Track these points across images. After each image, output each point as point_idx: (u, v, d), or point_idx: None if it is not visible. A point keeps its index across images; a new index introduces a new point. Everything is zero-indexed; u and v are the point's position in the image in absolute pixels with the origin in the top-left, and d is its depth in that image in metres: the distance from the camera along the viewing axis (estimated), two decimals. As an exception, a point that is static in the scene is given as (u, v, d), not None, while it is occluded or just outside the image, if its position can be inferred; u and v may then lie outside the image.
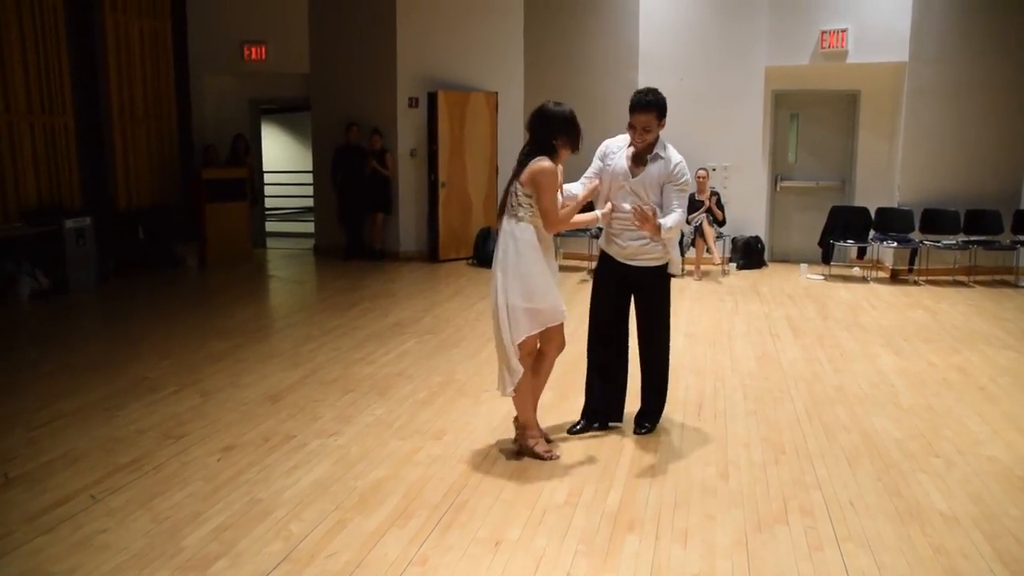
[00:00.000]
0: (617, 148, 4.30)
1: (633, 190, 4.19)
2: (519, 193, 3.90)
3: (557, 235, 4.30)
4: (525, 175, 3.88)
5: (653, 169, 4.17)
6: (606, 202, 4.27)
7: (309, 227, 12.57)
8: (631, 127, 4.14)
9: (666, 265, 4.32)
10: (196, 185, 10.35)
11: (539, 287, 3.88)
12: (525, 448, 4.07)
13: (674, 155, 4.21)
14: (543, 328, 3.94)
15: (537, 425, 4.13)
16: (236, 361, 5.83)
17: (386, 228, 10.92)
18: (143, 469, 3.90)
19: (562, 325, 4.04)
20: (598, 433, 4.42)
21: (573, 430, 4.42)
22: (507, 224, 3.94)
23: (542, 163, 3.86)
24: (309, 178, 12.13)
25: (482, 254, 10.41)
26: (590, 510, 3.49)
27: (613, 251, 4.31)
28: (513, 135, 10.93)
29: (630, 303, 4.40)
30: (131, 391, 5.12)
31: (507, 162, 10.83)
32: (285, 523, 3.35)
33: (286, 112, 16.10)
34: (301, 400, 4.96)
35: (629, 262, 4.26)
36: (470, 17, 10.69)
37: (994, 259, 9.54)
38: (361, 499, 3.59)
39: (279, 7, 11.03)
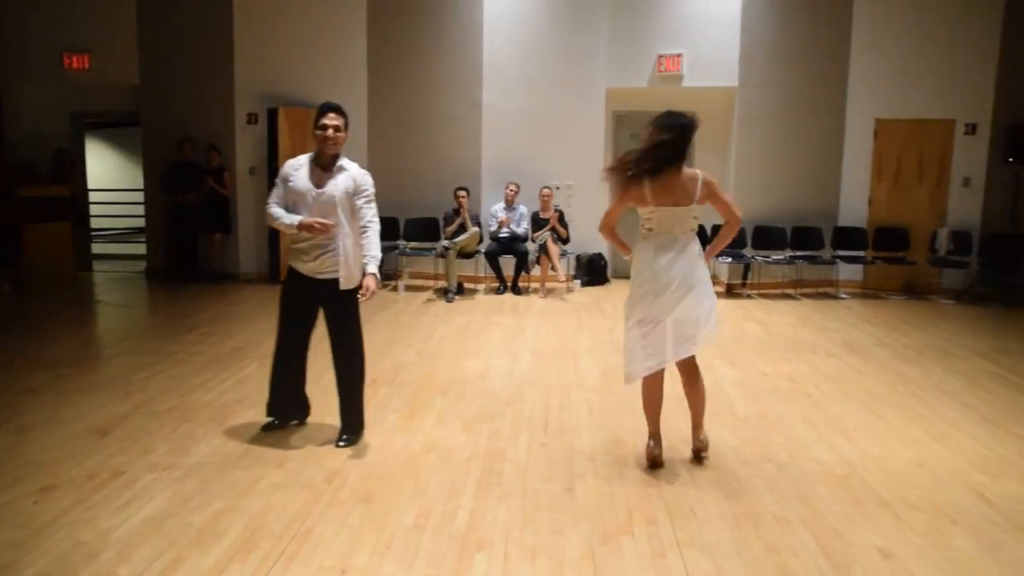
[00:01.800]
0: (298, 166, 4.38)
1: (321, 203, 4.30)
2: None
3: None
4: None
5: (339, 182, 4.33)
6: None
7: (140, 248, 11.93)
8: (320, 129, 4.24)
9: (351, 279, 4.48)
10: (12, 203, 9.57)
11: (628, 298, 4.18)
12: None
13: (357, 167, 4.42)
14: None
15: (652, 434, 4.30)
16: (58, 393, 5.41)
17: (225, 249, 10.51)
18: (-53, 517, 3.53)
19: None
20: (444, 454, 4.39)
21: (268, 428, 4.70)
22: None
23: None
24: (140, 196, 11.50)
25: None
26: (438, 532, 3.44)
27: (299, 266, 4.42)
28: (356, 152, 10.79)
29: (315, 317, 4.57)
30: (-66, 430, 4.65)
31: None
32: (113, 566, 3.11)
33: (114, 127, 15.28)
34: (132, 432, 4.65)
35: (314, 275, 4.40)
36: (311, 32, 10.50)
37: (817, 272, 10.24)
38: (198, 534, 3.39)
39: (103, 15, 10.45)
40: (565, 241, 10.07)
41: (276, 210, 4.34)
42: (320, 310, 4.52)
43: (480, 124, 10.47)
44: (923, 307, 9.40)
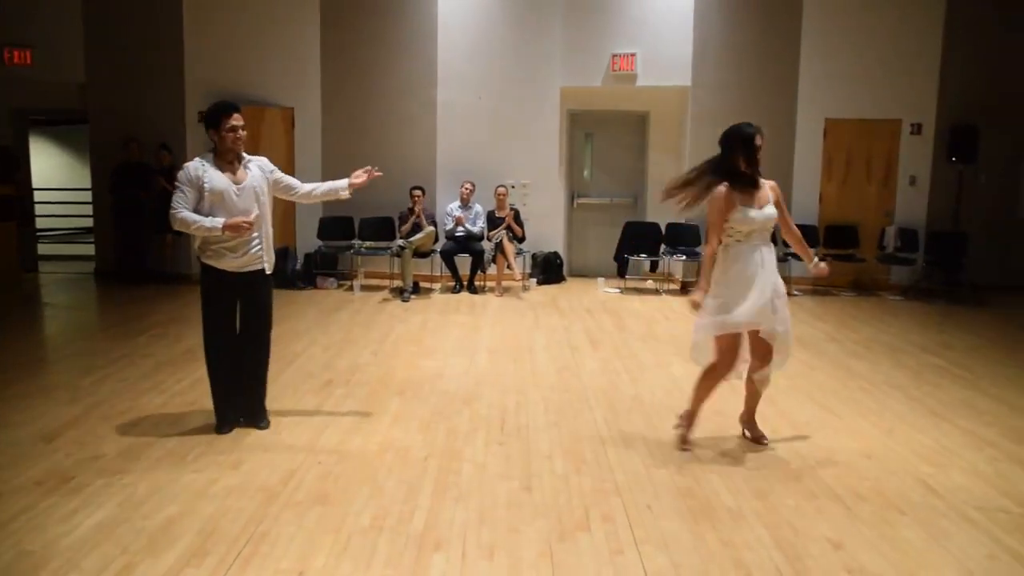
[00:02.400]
0: (204, 168, 4.41)
1: (244, 198, 4.45)
2: None
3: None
4: None
5: (254, 173, 4.53)
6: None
7: (89, 249, 11.68)
8: (231, 131, 4.38)
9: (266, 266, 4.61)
10: (-47, 204, 9.34)
11: (709, 302, 4.41)
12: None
13: (253, 156, 4.61)
14: (717, 334, 4.35)
15: (692, 417, 4.57)
16: (3, 399, 5.27)
17: (176, 249, 10.34)
18: None
19: (729, 341, 4.36)
20: (400, 454, 4.37)
21: (222, 431, 4.63)
22: None
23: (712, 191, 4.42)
24: (88, 196, 11.25)
25: (279, 274, 10.07)
26: (396, 532, 3.43)
27: (226, 264, 4.47)
28: (310, 152, 10.71)
29: (236, 310, 4.66)
30: None
31: (304, 178, 10.54)
32: (61, 575, 3.04)
33: (59, 125, 14.94)
34: (82, 437, 4.55)
35: (243, 269, 4.52)
36: (263, 29, 10.37)
37: (767, 270, 10.36)
38: (151, 540, 3.33)
39: (46, 9, 10.20)
40: (521, 240, 10.09)
41: (190, 215, 4.32)
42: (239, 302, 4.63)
43: (435, 123, 10.45)
44: (872, 303, 9.61)
